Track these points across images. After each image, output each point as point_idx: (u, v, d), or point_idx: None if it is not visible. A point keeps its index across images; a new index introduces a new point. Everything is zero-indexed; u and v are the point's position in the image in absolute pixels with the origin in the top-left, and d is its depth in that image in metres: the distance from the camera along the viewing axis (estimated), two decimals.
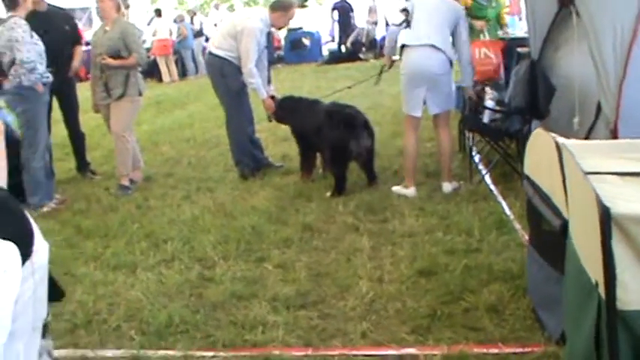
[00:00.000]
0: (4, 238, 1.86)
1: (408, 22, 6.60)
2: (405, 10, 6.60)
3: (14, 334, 1.89)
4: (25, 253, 1.94)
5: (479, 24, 8.87)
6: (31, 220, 2.02)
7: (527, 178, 4.10)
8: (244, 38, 7.56)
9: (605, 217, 2.45)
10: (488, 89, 7.35)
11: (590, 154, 3.22)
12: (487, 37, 8.67)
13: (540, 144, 3.83)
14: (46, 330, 2.36)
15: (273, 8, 7.86)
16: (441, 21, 6.55)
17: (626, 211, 2.47)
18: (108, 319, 4.48)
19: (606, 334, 2.51)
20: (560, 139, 3.47)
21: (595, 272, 2.60)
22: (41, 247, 2.02)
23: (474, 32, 8.71)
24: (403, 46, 6.68)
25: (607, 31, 5.07)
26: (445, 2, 6.66)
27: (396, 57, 7.11)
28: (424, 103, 6.68)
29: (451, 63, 6.65)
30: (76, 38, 8.49)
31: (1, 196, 1.97)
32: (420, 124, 6.83)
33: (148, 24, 22.84)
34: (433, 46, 6.47)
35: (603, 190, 2.60)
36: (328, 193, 6.88)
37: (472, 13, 8.81)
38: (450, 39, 6.65)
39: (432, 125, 6.94)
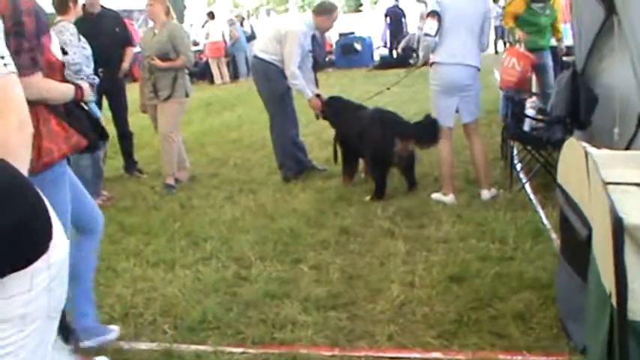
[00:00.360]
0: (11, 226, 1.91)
1: (437, 30, 6.63)
2: (433, 14, 6.59)
3: (26, 317, 1.99)
4: (40, 247, 2.01)
5: (520, 34, 8.77)
6: (53, 216, 2.09)
7: (560, 187, 4.13)
8: (288, 42, 7.69)
9: (618, 227, 2.48)
10: (530, 98, 7.33)
11: (616, 164, 3.24)
12: (522, 48, 8.56)
13: (572, 153, 3.85)
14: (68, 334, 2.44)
15: (317, 12, 7.98)
16: (471, 27, 6.57)
17: (639, 222, 2.50)
18: (144, 313, 4.61)
19: (618, 345, 2.54)
20: (590, 148, 3.50)
21: (609, 282, 2.63)
22: (60, 242, 2.09)
23: (513, 38, 8.71)
24: (434, 63, 6.74)
25: None
26: (473, 1, 6.66)
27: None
28: (456, 112, 6.75)
29: (479, 71, 6.75)
30: (126, 39, 8.67)
31: (12, 183, 2.02)
32: (452, 133, 6.87)
33: (202, 26, 23.14)
34: (467, 64, 6.56)
35: (620, 200, 2.63)
36: (367, 198, 6.94)
37: (525, 19, 8.77)
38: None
39: (465, 133, 6.96)
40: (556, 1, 9.12)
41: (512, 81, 8.05)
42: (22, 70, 2.72)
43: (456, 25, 6.53)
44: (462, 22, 6.54)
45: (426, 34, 6.63)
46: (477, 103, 6.82)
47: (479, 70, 6.71)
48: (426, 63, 7.12)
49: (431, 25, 6.61)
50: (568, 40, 9.41)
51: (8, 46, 2.20)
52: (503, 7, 8.74)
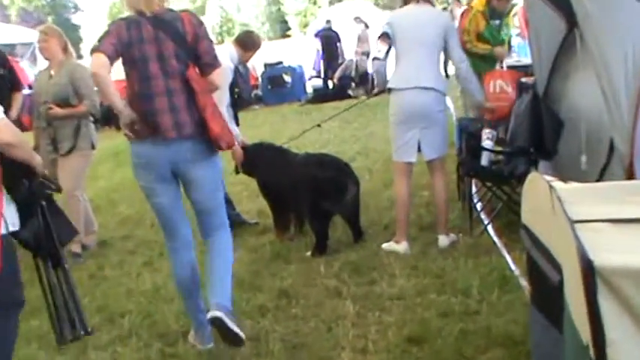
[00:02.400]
0: None
1: (387, 52, 6.79)
2: (384, 35, 6.76)
3: None
4: None
5: (498, 50, 8.93)
6: None
7: (525, 227, 4.21)
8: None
9: (589, 271, 2.55)
10: (485, 129, 7.46)
11: (585, 198, 3.34)
12: (504, 67, 8.72)
13: (535, 189, 3.93)
14: None
15: (244, 46, 8.03)
16: (428, 47, 6.73)
17: (612, 264, 2.58)
18: None
19: None
20: (555, 182, 3.60)
21: (585, 332, 2.70)
22: None
23: (485, 62, 8.82)
24: (390, 89, 6.89)
25: (616, 55, 5.02)
26: (427, 14, 6.85)
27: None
28: (418, 147, 6.84)
29: (444, 95, 6.88)
30: (13, 83, 8.55)
31: None
32: (412, 171, 6.99)
33: None
34: (423, 87, 6.67)
35: (590, 240, 2.71)
36: (308, 253, 7.02)
37: (485, 36, 8.96)
38: (442, 57, 6.85)
39: (427, 171, 7.09)
40: (509, 18, 9.39)
41: (506, 106, 7.70)
42: None
43: (411, 45, 6.73)
44: (417, 42, 6.71)
45: (375, 58, 6.79)
46: (444, 137, 6.95)
47: (444, 95, 6.85)
48: (381, 91, 7.26)
49: (379, 48, 6.77)
50: (527, 58, 9.59)
51: None
52: (464, 30, 8.83)
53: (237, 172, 8.20)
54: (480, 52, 8.81)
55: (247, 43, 8.03)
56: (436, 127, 6.80)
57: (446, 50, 6.85)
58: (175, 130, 4.80)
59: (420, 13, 6.80)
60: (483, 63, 8.76)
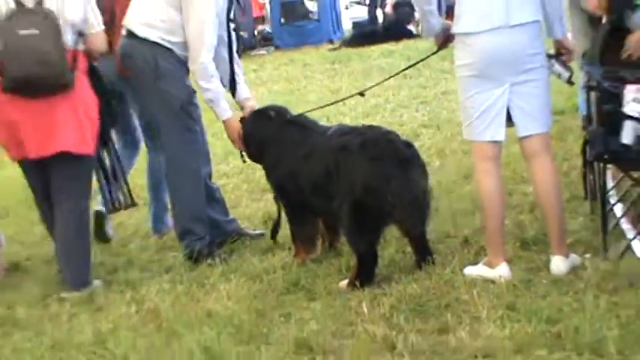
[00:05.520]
0: None
1: None
2: None
3: None
4: None
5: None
6: None
7: None
8: (194, 6, 7.75)
9: None
10: (628, 85, 7.40)
11: None
12: None
13: None
14: None
15: None
16: None
17: None
18: None
19: None
20: None
21: None
22: None
23: None
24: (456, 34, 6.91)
25: None
26: None
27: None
28: (508, 117, 6.85)
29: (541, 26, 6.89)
30: None
31: None
32: (500, 155, 7.00)
33: None
34: (515, 25, 6.67)
35: None
36: (343, 283, 7.03)
37: None
38: None
39: (524, 155, 7.09)
40: None
41: None
42: None
43: None
44: None
45: None
46: (546, 100, 6.97)
47: (540, 25, 6.85)
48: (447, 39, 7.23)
49: None
50: None
51: None
52: None
53: (244, 161, 8.31)
54: None
55: None
56: (536, 84, 6.83)
57: None
58: None
59: None
60: None
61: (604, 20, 7.79)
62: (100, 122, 7.75)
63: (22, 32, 7.35)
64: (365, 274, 7.03)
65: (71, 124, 7.49)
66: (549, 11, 6.91)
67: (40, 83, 7.39)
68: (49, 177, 7.65)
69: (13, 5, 7.43)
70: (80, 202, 7.77)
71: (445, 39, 7.28)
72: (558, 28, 7.07)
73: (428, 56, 7.91)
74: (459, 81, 6.99)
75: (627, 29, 7.28)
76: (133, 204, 8.52)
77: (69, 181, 7.63)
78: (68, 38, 7.55)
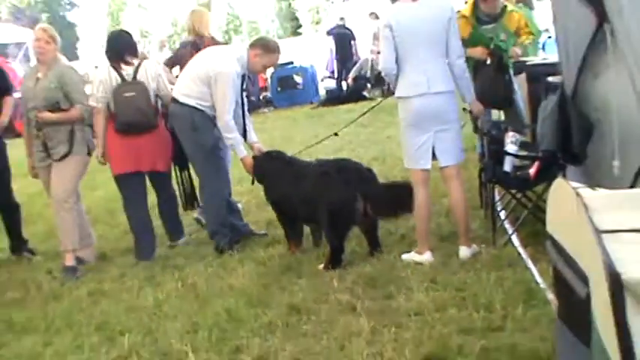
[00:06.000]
0: None
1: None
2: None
3: None
4: None
5: (514, 51, 8.84)
6: None
7: (551, 237, 4.20)
8: (219, 85, 7.75)
9: (616, 285, 2.55)
10: (510, 132, 7.47)
11: (613, 206, 3.33)
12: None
13: (561, 196, 3.93)
14: None
15: (264, 48, 8.10)
16: (434, 45, 6.76)
17: None
18: None
19: None
20: (582, 190, 3.59)
21: (613, 349, 2.70)
22: None
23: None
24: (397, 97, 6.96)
25: None
26: (429, 7, 6.78)
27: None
28: (433, 154, 6.89)
29: (454, 94, 6.96)
30: (3, 87, 8.62)
31: None
32: (429, 178, 7.01)
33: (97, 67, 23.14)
34: (434, 92, 6.74)
35: (618, 251, 2.70)
36: (321, 266, 7.03)
37: (472, 43, 8.65)
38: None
39: (443, 178, 7.11)
40: (510, 17, 9.04)
41: None
42: None
43: (414, 45, 6.75)
44: (421, 41, 6.74)
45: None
46: (459, 142, 7.02)
47: (454, 93, 6.92)
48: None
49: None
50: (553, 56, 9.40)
51: None
52: None
53: (253, 183, 8.25)
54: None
55: (263, 46, 8.11)
56: (451, 131, 6.88)
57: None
58: None
59: (422, 8, 6.77)
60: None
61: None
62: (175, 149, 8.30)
63: (126, 94, 7.91)
64: (335, 260, 7.03)
65: (157, 150, 8.19)
66: (460, 85, 7.00)
67: (138, 125, 7.88)
68: (148, 180, 8.47)
69: (119, 80, 7.92)
70: (170, 190, 8.65)
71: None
72: (467, 96, 7.17)
73: (370, 109, 7.99)
74: (401, 129, 7.05)
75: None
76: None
77: (162, 182, 8.46)
78: (152, 97, 7.93)
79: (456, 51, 6.89)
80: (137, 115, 7.91)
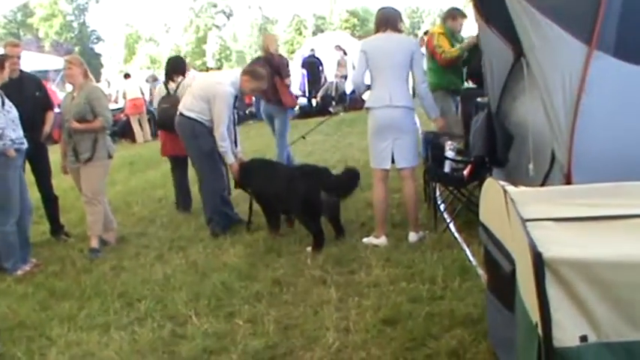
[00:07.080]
0: None
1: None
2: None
3: None
4: None
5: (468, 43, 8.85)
6: None
7: (483, 225, 4.28)
8: (217, 103, 7.76)
9: (538, 262, 2.63)
10: (448, 140, 7.57)
11: (532, 200, 3.42)
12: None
13: (491, 192, 4.01)
14: None
15: (253, 76, 8.13)
16: (397, 70, 6.80)
17: (557, 255, 2.65)
18: None
19: None
20: (508, 187, 3.66)
21: (534, 313, 2.77)
22: None
23: (457, 77, 9.11)
24: (367, 108, 6.97)
25: (556, 82, 5.18)
26: (396, 41, 6.87)
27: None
28: (392, 156, 6.91)
29: (413, 111, 7.00)
30: (46, 104, 8.58)
31: None
32: (388, 176, 7.04)
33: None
34: (394, 105, 6.75)
35: (539, 236, 2.78)
36: (309, 248, 6.99)
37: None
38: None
39: (397, 176, 7.14)
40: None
41: None
42: None
43: (382, 69, 6.80)
44: (387, 66, 6.79)
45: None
46: (413, 149, 7.02)
47: (412, 110, 6.95)
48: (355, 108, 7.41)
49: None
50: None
51: None
52: (435, 45, 8.83)
53: (236, 187, 8.26)
54: (456, 54, 8.81)
55: (255, 74, 8.15)
56: (407, 139, 6.89)
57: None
58: None
59: (389, 41, 6.86)
60: (456, 79, 9.06)
61: None
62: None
63: (163, 105, 9.14)
64: (319, 243, 7.00)
65: None
66: (425, 105, 7.09)
67: (171, 126, 8.29)
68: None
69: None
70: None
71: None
72: (431, 113, 7.18)
73: (327, 118, 8.02)
74: (368, 136, 7.06)
75: None
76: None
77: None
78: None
79: (420, 78, 6.97)
80: (170, 121, 8.59)
